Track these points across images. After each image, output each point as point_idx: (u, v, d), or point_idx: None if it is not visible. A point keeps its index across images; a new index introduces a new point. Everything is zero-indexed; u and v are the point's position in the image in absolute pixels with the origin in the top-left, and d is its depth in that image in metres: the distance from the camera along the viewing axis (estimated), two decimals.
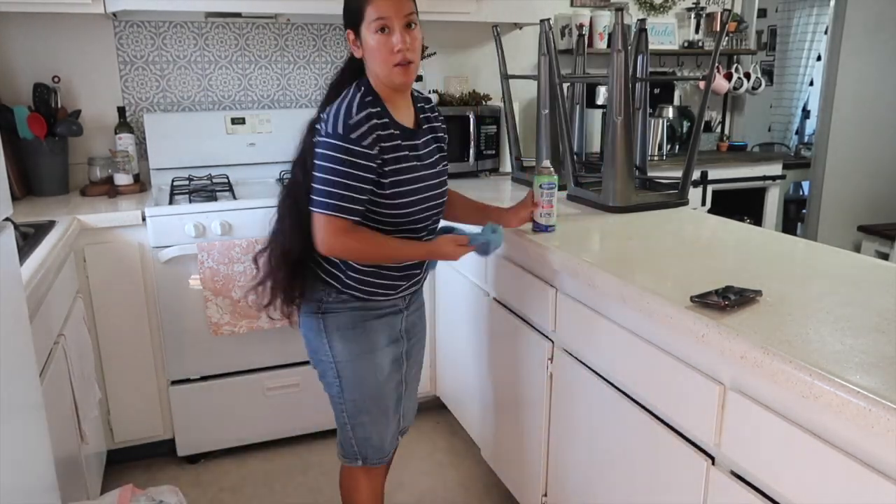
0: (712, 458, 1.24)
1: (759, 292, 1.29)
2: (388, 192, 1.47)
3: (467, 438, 2.58)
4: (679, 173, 2.23)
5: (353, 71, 1.56)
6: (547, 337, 1.80)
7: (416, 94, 1.63)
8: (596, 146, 3.38)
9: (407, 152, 1.52)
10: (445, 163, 1.66)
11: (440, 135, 1.66)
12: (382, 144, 1.46)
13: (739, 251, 1.65)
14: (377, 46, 1.43)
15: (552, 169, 1.77)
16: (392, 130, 1.49)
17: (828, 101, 4.08)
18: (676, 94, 3.56)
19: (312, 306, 1.57)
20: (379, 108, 1.48)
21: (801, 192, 5.14)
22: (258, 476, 2.41)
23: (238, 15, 2.65)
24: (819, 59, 5.50)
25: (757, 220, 3.45)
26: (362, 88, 1.48)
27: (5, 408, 1.03)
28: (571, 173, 2.31)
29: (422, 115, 1.61)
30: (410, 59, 1.45)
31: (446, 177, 1.65)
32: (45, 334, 1.61)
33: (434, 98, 2.80)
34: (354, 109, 1.42)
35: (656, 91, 3.52)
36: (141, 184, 2.59)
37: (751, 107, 4.10)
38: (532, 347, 1.87)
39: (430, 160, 1.59)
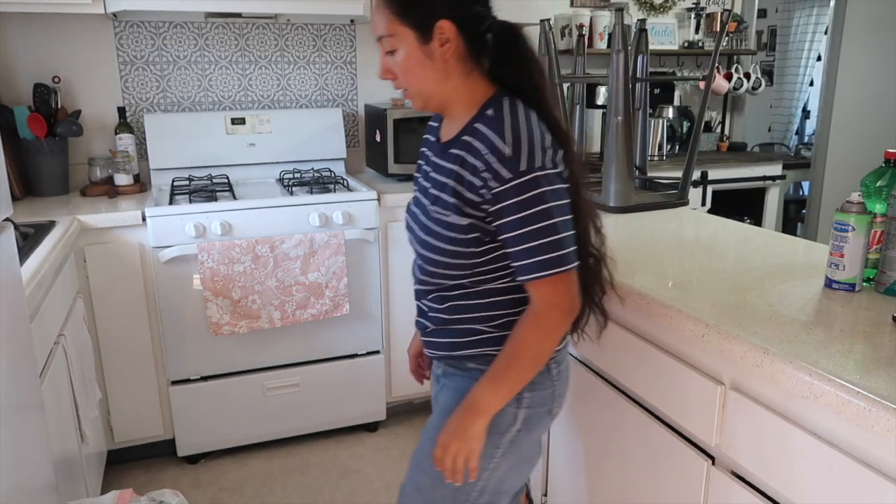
0: (712, 458, 1.24)
1: None
2: None
3: None
4: (679, 173, 2.23)
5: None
6: None
7: (476, 126, 1.16)
8: (596, 146, 3.38)
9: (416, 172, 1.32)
10: (426, 208, 1.22)
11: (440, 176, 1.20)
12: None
13: (739, 251, 1.65)
14: None
15: (864, 205, 1.27)
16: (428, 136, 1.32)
17: (828, 101, 4.08)
18: (676, 94, 3.56)
19: None
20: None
21: (801, 192, 5.14)
22: (258, 476, 2.40)
23: (238, 15, 2.65)
24: (819, 59, 5.50)
25: (757, 221, 3.45)
26: None
27: (5, 408, 1.03)
28: None
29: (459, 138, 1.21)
30: (398, 88, 1.20)
31: (425, 230, 1.21)
32: (45, 334, 1.61)
33: None
34: None
35: (656, 91, 3.52)
36: (141, 184, 2.59)
37: (751, 107, 4.10)
38: None
39: (417, 190, 1.30)
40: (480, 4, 1.18)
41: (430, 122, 1.34)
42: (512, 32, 1.20)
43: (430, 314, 1.28)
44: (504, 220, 1.10)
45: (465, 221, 1.14)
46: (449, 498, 1.25)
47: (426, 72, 1.15)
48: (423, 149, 1.32)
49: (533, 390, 1.22)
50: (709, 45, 3.51)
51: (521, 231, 1.09)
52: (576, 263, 1.13)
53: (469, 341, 1.24)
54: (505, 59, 1.19)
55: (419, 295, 1.31)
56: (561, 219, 1.10)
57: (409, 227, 1.29)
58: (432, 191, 1.20)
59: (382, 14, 1.13)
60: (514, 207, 1.08)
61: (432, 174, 1.22)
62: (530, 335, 1.14)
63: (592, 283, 1.30)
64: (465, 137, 1.15)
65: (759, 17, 3.99)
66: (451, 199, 1.15)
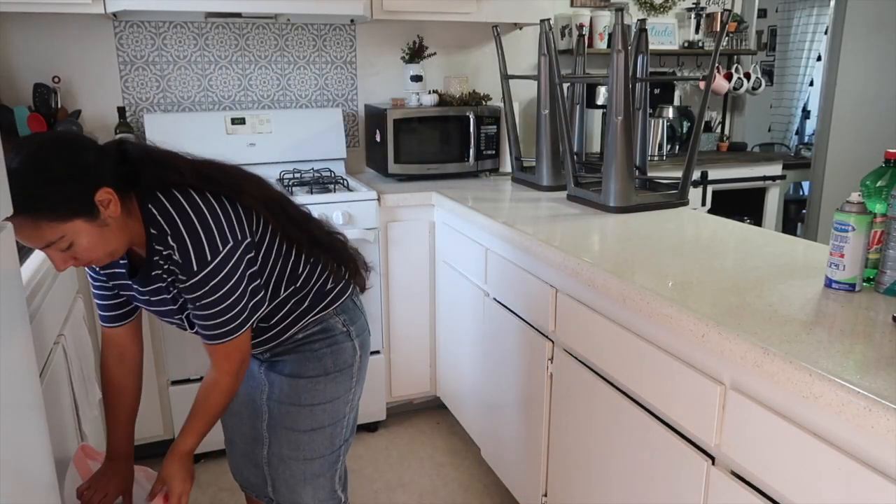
0: (712, 458, 1.24)
1: None
2: None
3: (467, 438, 2.58)
4: (679, 173, 2.23)
5: None
6: (547, 337, 1.80)
7: (154, 246, 1.24)
8: (596, 146, 3.38)
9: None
10: (171, 296, 1.31)
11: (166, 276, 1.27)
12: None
13: (739, 251, 1.65)
14: None
15: (864, 205, 1.28)
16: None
17: (828, 101, 4.08)
18: (676, 94, 3.56)
19: None
20: None
21: (801, 192, 5.14)
22: None
23: (238, 15, 2.65)
24: (819, 59, 5.50)
25: (757, 221, 3.45)
26: None
27: (5, 408, 1.03)
28: (571, 173, 2.31)
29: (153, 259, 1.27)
30: (81, 265, 1.21)
31: (170, 308, 1.34)
32: (45, 334, 1.60)
33: (433, 98, 2.80)
34: None
35: (656, 91, 3.52)
36: None
37: (751, 107, 4.10)
38: (532, 347, 1.87)
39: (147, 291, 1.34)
40: (97, 152, 1.18)
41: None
42: (119, 148, 1.23)
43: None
44: (190, 302, 1.25)
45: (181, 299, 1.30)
46: (327, 443, 1.45)
47: (108, 237, 1.18)
48: (123, 285, 1.37)
49: (354, 322, 1.45)
50: (709, 45, 3.51)
51: (201, 313, 1.25)
52: (245, 328, 1.29)
53: (285, 326, 1.40)
54: (132, 170, 1.22)
55: None
56: (239, 291, 1.24)
57: (171, 320, 1.39)
58: (171, 306, 1.32)
59: (40, 226, 1.10)
60: (196, 299, 1.23)
61: (156, 298, 1.32)
62: (216, 399, 1.33)
63: (346, 261, 1.48)
64: (154, 260, 1.24)
65: (759, 17, 3.99)
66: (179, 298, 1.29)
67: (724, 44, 3.54)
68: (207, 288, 1.21)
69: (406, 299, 2.62)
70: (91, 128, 2.63)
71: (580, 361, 1.65)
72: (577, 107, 2.71)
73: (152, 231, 1.21)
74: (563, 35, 3.24)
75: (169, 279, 1.26)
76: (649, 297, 1.33)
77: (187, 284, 1.21)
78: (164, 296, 1.31)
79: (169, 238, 1.19)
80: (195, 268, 1.19)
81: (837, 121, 4.06)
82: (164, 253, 1.21)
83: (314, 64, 2.91)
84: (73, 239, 1.14)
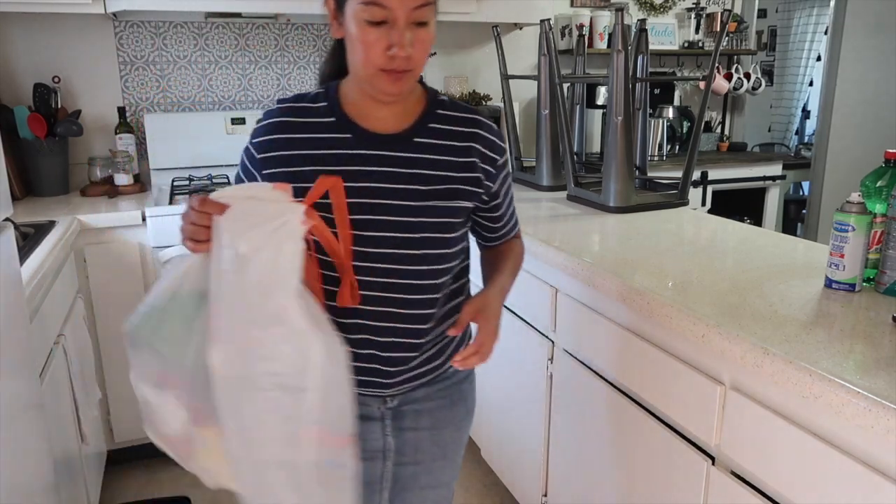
0: (712, 458, 1.24)
1: None
2: None
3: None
4: (679, 173, 2.23)
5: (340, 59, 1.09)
6: (547, 337, 1.80)
7: (439, 111, 1.13)
8: (596, 146, 3.38)
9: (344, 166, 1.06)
10: (422, 208, 1.06)
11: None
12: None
13: (739, 251, 1.65)
14: (362, 38, 0.96)
15: (864, 205, 1.27)
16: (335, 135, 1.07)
17: (828, 101, 4.08)
18: (676, 94, 3.56)
19: None
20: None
21: (801, 192, 5.14)
22: None
23: (238, 15, 2.65)
24: (819, 59, 5.50)
25: (757, 221, 3.45)
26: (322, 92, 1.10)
27: (5, 408, 1.03)
28: (571, 173, 2.31)
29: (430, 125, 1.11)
30: (408, 68, 1.00)
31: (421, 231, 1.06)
32: (45, 334, 1.60)
33: None
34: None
35: (656, 91, 3.52)
36: (141, 184, 2.59)
37: (751, 107, 4.10)
38: (532, 347, 1.87)
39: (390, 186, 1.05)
40: None
41: (298, 118, 1.08)
42: None
43: (414, 337, 1.10)
44: (502, 189, 1.19)
45: (470, 205, 1.12)
46: (455, 473, 1.35)
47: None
48: (342, 149, 1.06)
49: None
50: (709, 45, 3.51)
51: (510, 197, 1.24)
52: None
53: (448, 343, 1.20)
54: None
55: (395, 320, 1.08)
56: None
57: (380, 238, 1.04)
58: (425, 187, 1.05)
59: None
60: (507, 178, 1.20)
61: (405, 170, 1.05)
62: (522, 254, 1.31)
63: None
64: (466, 129, 1.10)
65: (759, 17, 3.98)
66: (464, 187, 1.08)
67: (724, 44, 3.54)
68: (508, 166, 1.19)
69: None
70: (91, 128, 2.63)
71: (580, 361, 1.65)
72: (577, 107, 2.71)
73: (442, 98, 1.18)
74: (563, 35, 3.24)
75: (463, 159, 1.08)
76: (649, 297, 1.33)
77: (503, 158, 1.16)
78: (412, 184, 1.05)
79: (475, 111, 1.17)
80: (503, 143, 1.17)
81: (837, 121, 4.06)
82: (481, 121, 1.14)
83: (314, 64, 2.91)
84: (431, 18, 1.00)
